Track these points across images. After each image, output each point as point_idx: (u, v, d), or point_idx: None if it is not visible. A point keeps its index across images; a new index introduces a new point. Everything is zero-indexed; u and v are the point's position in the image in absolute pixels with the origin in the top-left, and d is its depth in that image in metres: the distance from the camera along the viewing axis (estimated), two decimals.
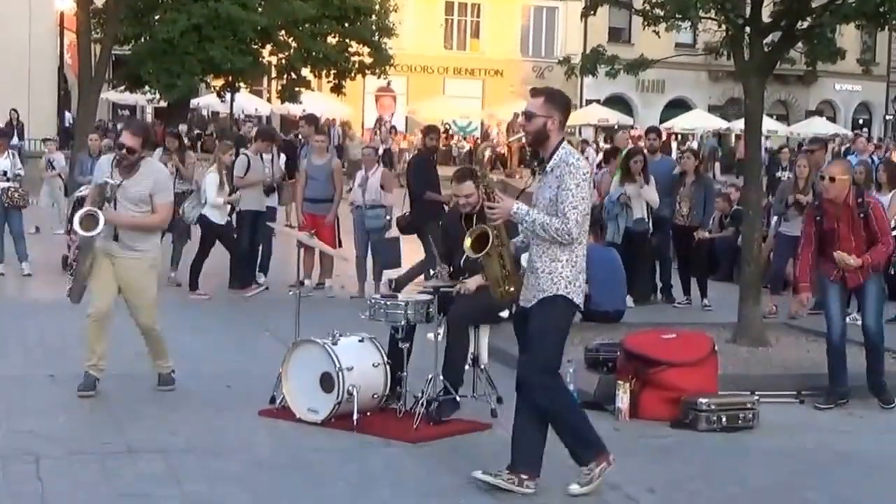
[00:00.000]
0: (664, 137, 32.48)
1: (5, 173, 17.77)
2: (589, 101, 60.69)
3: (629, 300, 15.66)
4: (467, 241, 8.04)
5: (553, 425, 7.89)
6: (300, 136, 22.10)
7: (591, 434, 7.93)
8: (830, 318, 10.94)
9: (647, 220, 16.47)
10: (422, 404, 9.51)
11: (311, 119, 19.89)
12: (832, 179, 10.68)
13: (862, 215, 10.65)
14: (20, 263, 17.76)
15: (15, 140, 25.24)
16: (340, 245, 16.78)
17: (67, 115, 43.95)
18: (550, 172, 7.70)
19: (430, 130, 18.12)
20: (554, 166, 7.68)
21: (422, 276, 12.94)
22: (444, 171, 17.81)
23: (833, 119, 66.06)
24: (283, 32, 46.10)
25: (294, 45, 46.65)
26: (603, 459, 7.87)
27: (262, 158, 17.24)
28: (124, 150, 10.18)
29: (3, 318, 14.08)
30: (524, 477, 7.85)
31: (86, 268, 10.40)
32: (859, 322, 11.22)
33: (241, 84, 48.95)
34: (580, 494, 7.79)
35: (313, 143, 17.31)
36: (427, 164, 17.17)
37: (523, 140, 8.27)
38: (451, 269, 10.24)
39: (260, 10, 43.64)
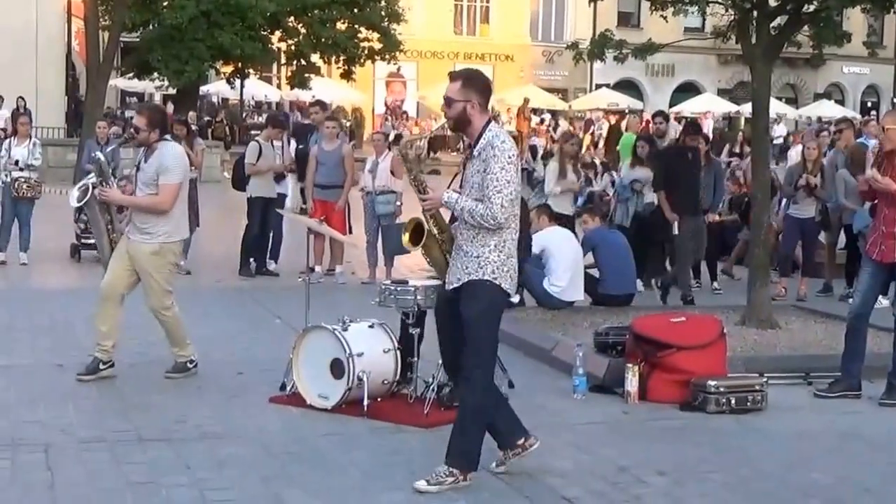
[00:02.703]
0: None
1: (17, 162, 17.75)
2: (599, 86, 60.76)
3: (639, 284, 15.67)
4: (405, 237, 7.97)
5: (459, 419, 7.69)
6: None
7: (478, 447, 7.69)
8: (855, 294, 10.86)
9: (657, 204, 16.48)
10: (433, 390, 9.51)
11: (324, 105, 19.92)
12: (884, 129, 10.43)
13: None
14: (20, 252, 17.78)
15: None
16: (351, 231, 16.83)
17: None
18: (478, 156, 7.56)
19: (691, 129, 17.57)
20: (481, 150, 7.53)
21: None
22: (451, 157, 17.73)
23: (841, 102, 66.06)
24: (292, 18, 46.14)
25: (303, 31, 46.69)
26: (465, 476, 7.63)
27: (272, 145, 17.28)
28: (132, 129, 10.52)
29: (11, 307, 14.12)
30: (521, 441, 7.89)
31: (105, 248, 10.58)
32: (885, 304, 11.06)
33: (251, 70, 49.01)
34: (426, 492, 7.54)
35: (324, 129, 17.32)
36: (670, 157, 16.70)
37: (446, 127, 8.11)
38: None
39: None
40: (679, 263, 16.08)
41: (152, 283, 10.39)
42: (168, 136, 10.67)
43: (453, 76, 7.75)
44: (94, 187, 10.34)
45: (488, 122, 7.64)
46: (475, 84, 7.66)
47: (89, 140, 22.24)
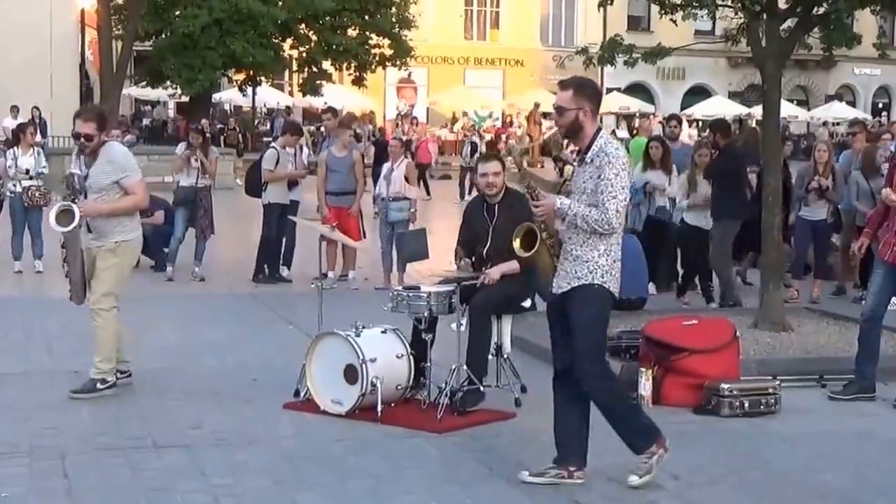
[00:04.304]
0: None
1: (28, 171, 17.85)
2: (610, 90, 60.61)
3: (651, 287, 15.65)
4: (516, 243, 8.06)
5: (607, 417, 7.90)
6: (322, 128, 22.22)
7: (644, 420, 7.93)
8: (868, 296, 10.91)
9: (668, 207, 16.47)
10: (446, 395, 9.53)
11: (335, 111, 19.98)
12: None
13: None
14: (34, 260, 17.85)
15: (38, 137, 25.29)
16: (364, 236, 16.87)
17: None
18: (590, 163, 7.71)
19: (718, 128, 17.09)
20: (593, 156, 7.69)
21: None
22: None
23: (853, 103, 65.95)
24: (303, 26, 46.31)
25: (315, 38, 46.88)
26: (659, 445, 7.86)
27: (288, 152, 17.35)
28: (82, 139, 10.07)
29: (26, 315, 14.18)
30: (573, 469, 7.88)
31: (77, 266, 10.22)
32: None
33: (263, 78, 49.13)
34: (641, 486, 7.76)
35: (340, 136, 17.40)
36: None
37: (558, 133, 8.26)
38: (474, 258, 10.26)
39: (280, 3, 43.78)
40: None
41: (99, 281, 10.15)
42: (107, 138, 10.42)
43: (564, 85, 7.91)
44: (77, 209, 9.94)
45: (598, 130, 7.81)
46: (586, 92, 7.82)
47: None
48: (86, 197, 10.08)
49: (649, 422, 7.94)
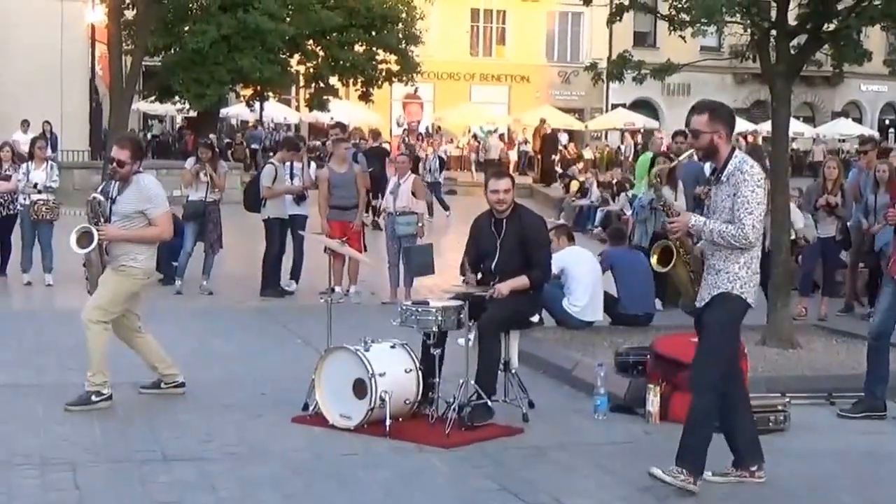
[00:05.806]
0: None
1: (36, 185, 17.90)
2: (615, 106, 60.69)
3: (658, 303, 15.65)
4: (654, 259, 8.31)
5: (688, 425, 8.02)
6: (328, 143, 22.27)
7: (704, 452, 8.02)
8: (876, 313, 10.90)
9: None
10: (454, 410, 9.54)
11: (344, 126, 20.01)
12: None
13: None
14: (44, 273, 17.92)
15: (49, 151, 25.32)
16: (365, 249, 16.93)
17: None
18: (726, 182, 7.94)
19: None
20: (729, 175, 7.92)
21: None
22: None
23: (859, 120, 65.81)
24: (310, 42, 46.33)
25: (322, 54, 46.91)
26: (694, 479, 7.93)
27: (292, 167, 17.39)
28: (115, 164, 10.25)
29: (37, 326, 14.24)
30: (753, 469, 8.23)
31: (97, 284, 10.36)
32: None
33: (270, 93, 49.18)
34: (659, 478, 7.92)
35: (338, 151, 17.46)
36: None
37: (695, 155, 8.76)
38: (482, 274, 10.27)
39: (288, 20, 43.80)
40: None
41: (97, 296, 10.23)
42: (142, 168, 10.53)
43: (697, 109, 8.23)
44: (97, 231, 10.10)
45: (733, 150, 8.05)
46: (721, 115, 8.12)
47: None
48: (108, 221, 10.20)
49: (705, 455, 8.03)
